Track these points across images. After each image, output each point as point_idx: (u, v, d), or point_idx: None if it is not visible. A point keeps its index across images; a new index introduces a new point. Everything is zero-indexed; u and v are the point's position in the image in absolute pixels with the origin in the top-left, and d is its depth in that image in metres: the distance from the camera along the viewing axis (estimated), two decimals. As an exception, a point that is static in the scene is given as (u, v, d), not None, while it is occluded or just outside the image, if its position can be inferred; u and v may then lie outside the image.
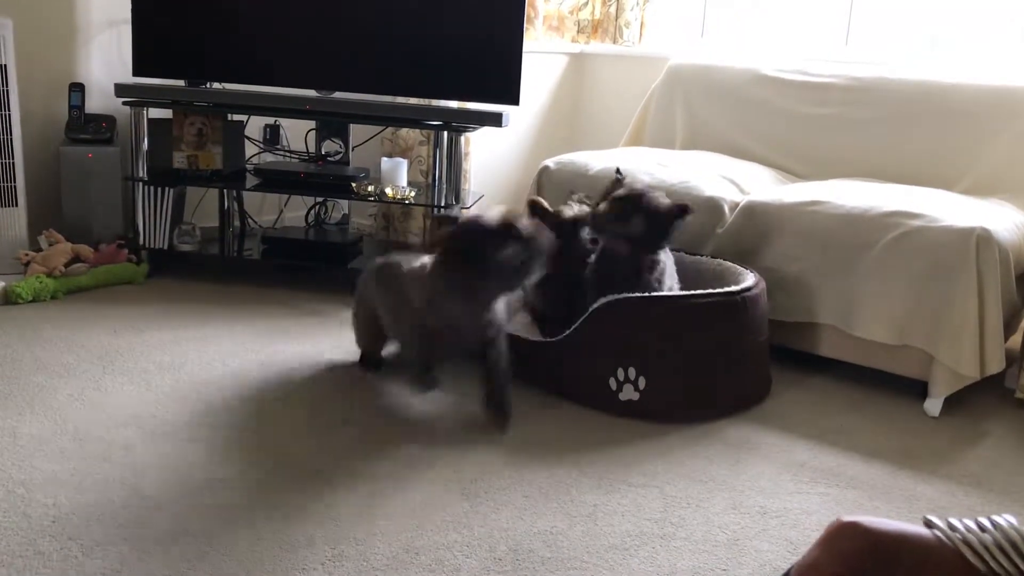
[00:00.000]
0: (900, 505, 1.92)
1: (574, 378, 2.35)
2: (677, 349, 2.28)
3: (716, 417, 2.31)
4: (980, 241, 2.31)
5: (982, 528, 0.82)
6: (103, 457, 1.89)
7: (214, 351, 2.54)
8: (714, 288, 2.42)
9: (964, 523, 0.83)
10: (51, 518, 1.65)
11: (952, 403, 2.44)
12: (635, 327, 2.28)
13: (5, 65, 2.85)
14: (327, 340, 2.69)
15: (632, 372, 2.26)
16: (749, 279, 2.46)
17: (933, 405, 2.42)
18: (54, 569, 1.50)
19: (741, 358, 2.37)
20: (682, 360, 2.29)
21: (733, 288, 2.37)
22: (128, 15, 3.21)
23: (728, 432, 2.24)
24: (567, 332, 2.36)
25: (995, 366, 2.36)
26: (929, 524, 0.84)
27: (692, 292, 2.32)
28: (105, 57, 3.37)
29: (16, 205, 2.96)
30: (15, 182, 2.94)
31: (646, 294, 2.31)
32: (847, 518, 0.86)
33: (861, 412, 2.42)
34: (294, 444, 2.01)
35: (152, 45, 3.21)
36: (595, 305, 2.31)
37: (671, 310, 2.28)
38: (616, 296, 2.30)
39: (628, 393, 2.27)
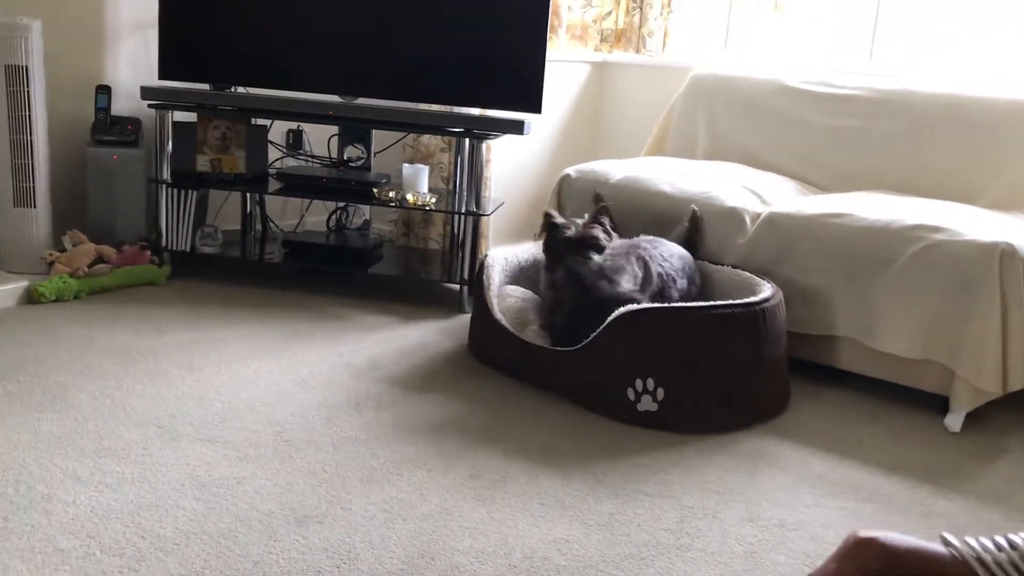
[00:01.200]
0: (919, 521, 1.91)
1: (592, 388, 2.35)
2: (696, 360, 2.27)
3: (734, 428, 2.30)
4: (1004, 256, 2.29)
5: (998, 547, 0.82)
6: (123, 456, 1.91)
7: (234, 353, 2.55)
8: (733, 299, 2.42)
9: (980, 541, 0.83)
10: (71, 516, 1.66)
11: (973, 419, 2.42)
12: (654, 337, 2.28)
13: (27, 66, 2.87)
14: (347, 344, 2.70)
15: (651, 383, 2.25)
16: (767, 290, 2.45)
17: (954, 420, 2.40)
18: (73, 566, 1.51)
19: (760, 369, 2.36)
20: (701, 371, 2.28)
21: (751, 299, 2.36)
22: (155, 19, 3.24)
23: (746, 443, 2.23)
24: (585, 342, 2.36)
25: (1018, 382, 2.34)
26: (945, 542, 0.84)
27: (710, 303, 2.32)
28: (132, 60, 3.41)
29: (35, 206, 2.97)
30: (34, 183, 2.96)
31: (664, 304, 2.31)
32: (864, 533, 0.86)
33: (881, 426, 2.41)
34: (310, 447, 2.02)
35: (178, 49, 3.25)
36: (614, 315, 2.31)
37: (690, 320, 2.28)
38: (636, 306, 2.30)
39: (647, 404, 2.26)
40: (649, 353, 2.27)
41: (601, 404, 2.33)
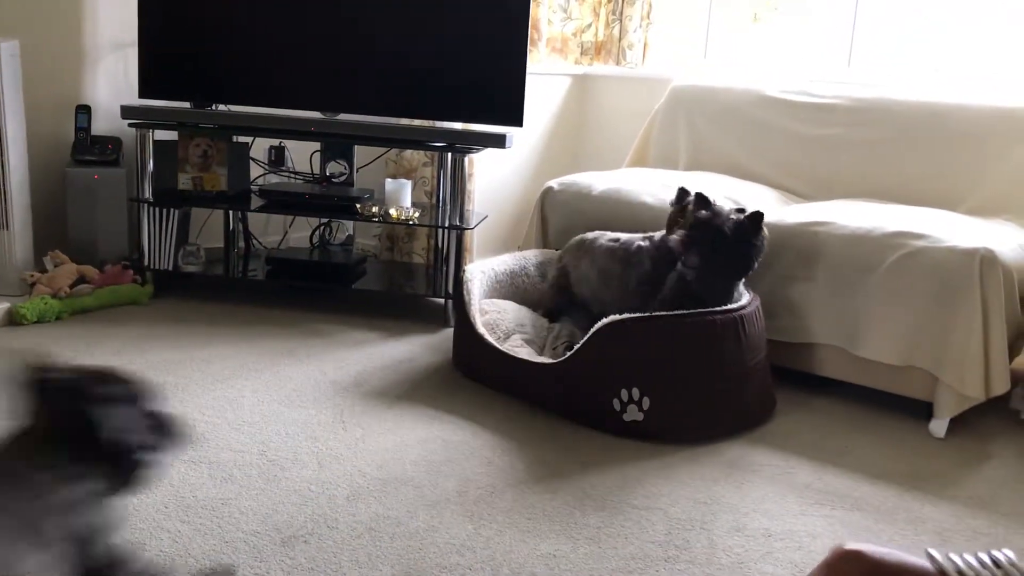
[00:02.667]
0: (905, 527, 1.91)
1: (577, 399, 2.35)
2: (679, 368, 2.28)
3: (721, 437, 2.30)
4: (984, 262, 2.31)
5: (982, 564, 0.83)
6: (106, 478, 1.89)
7: (218, 372, 2.54)
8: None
9: (964, 558, 0.84)
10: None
11: (957, 424, 2.43)
12: (637, 346, 2.28)
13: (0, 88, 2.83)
14: (332, 361, 2.69)
15: (636, 392, 2.25)
16: (744, 297, 2.46)
17: (938, 426, 2.41)
18: (56, 592, 1.50)
19: (742, 377, 2.36)
20: (684, 380, 2.28)
21: (730, 307, 2.37)
22: (135, 38, 3.23)
23: (732, 453, 2.23)
24: (568, 355, 2.36)
25: (1000, 387, 2.35)
26: (930, 558, 0.85)
27: (688, 312, 2.32)
28: (112, 79, 3.40)
29: (8, 228, 2.94)
30: (8, 204, 2.92)
31: (643, 314, 2.33)
32: (850, 545, 0.86)
33: (866, 433, 2.41)
34: (295, 465, 2.01)
35: (158, 67, 3.24)
36: (596, 327, 2.31)
37: (671, 328, 2.28)
38: (616, 316, 2.31)
39: (633, 414, 2.26)
40: (633, 362, 2.28)
41: (586, 416, 2.33)
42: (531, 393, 2.44)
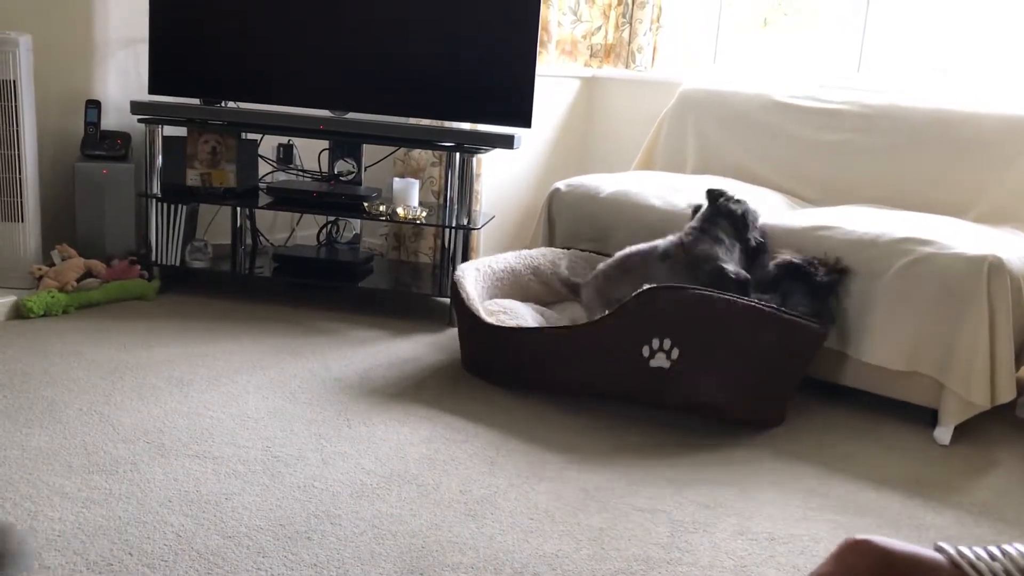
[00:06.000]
0: (909, 534, 1.91)
1: (606, 354, 2.37)
2: (712, 337, 2.31)
3: (728, 417, 2.35)
4: (992, 269, 2.31)
5: (992, 556, 0.82)
6: (110, 472, 1.90)
7: (224, 368, 2.55)
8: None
9: (974, 550, 0.83)
10: (57, 532, 1.65)
11: (962, 432, 2.43)
12: (675, 308, 2.31)
13: (15, 81, 2.86)
14: (337, 358, 2.69)
15: (667, 343, 2.30)
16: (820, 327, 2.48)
17: (943, 433, 2.40)
18: (59, 583, 1.50)
19: (769, 374, 2.38)
20: (715, 348, 2.31)
21: (812, 319, 2.40)
22: (145, 34, 3.24)
23: (736, 457, 2.23)
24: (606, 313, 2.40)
25: (1006, 395, 2.35)
26: (940, 550, 0.84)
27: (739, 296, 2.37)
28: (122, 75, 3.41)
29: (23, 220, 2.96)
30: (23, 197, 2.95)
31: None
32: (859, 536, 0.86)
33: (870, 439, 2.41)
34: (299, 462, 2.01)
35: (168, 64, 3.25)
36: (639, 290, 2.35)
37: (710, 303, 2.32)
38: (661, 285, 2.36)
39: (659, 360, 2.30)
40: (670, 319, 2.31)
41: (612, 367, 2.37)
42: (552, 369, 2.45)
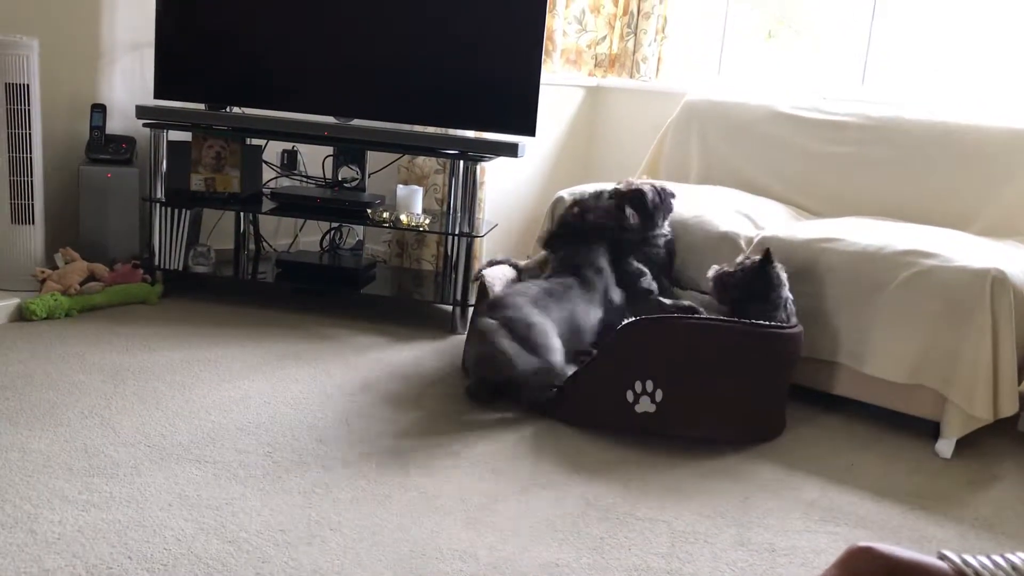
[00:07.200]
0: (909, 547, 1.90)
1: (590, 395, 2.36)
2: (695, 367, 2.30)
3: (729, 441, 2.32)
4: (995, 283, 2.30)
5: (995, 564, 0.82)
6: (111, 475, 1.89)
7: (225, 373, 2.55)
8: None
9: (978, 559, 0.83)
10: (57, 535, 1.65)
11: (964, 445, 2.42)
12: (656, 344, 2.31)
13: (27, 84, 2.88)
14: (338, 364, 2.69)
15: (650, 385, 2.28)
16: (792, 320, 2.50)
17: (945, 446, 2.40)
18: (58, 586, 1.50)
19: (761, 389, 2.37)
20: (700, 379, 2.30)
21: (764, 323, 2.39)
22: (151, 38, 3.25)
23: (738, 468, 2.22)
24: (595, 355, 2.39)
25: (1008, 409, 2.34)
26: (943, 558, 0.84)
27: (718, 318, 2.36)
28: (127, 79, 3.42)
29: (32, 223, 2.98)
30: (32, 200, 2.96)
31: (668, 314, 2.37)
32: (864, 543, 0.86)
33: (872, 451, 2.41)
34: (300, 468, 2.01)
35: (174, 68, 3.26)
36: (620, 326, 2.36)
37: (693, 330, 2.31)
38: (646, 317, 2.35)
39: (644, 405, 2.28)
40: (651, 358, 2.30)
41: (598, 410, 2.36)
42: (551, 404, 2.46)
